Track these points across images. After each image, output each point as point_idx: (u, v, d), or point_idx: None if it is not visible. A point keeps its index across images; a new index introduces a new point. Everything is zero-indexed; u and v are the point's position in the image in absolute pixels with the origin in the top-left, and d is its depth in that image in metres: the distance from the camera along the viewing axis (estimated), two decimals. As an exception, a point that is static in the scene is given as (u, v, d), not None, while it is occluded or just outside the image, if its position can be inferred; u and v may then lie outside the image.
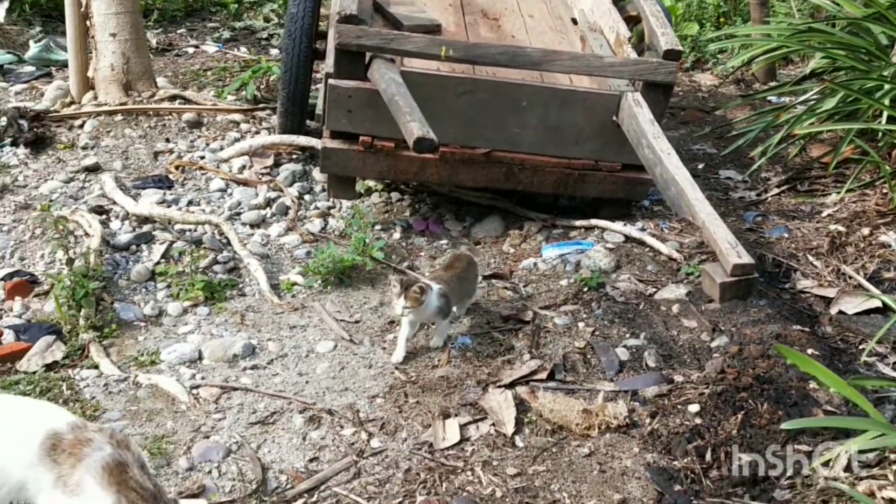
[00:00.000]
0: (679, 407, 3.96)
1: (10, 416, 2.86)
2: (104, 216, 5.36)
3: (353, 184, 5.69)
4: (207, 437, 3.68)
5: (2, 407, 2.95)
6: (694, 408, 3.92)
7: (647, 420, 3.90)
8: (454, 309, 4.51)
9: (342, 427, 3.83)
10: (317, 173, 6.20)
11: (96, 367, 4.12)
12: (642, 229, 5.54)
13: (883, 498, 3.05)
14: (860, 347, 4.23)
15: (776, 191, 6.30)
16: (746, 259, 3.72)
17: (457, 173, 5.46)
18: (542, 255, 5.42)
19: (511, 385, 4.15)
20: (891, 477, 3.16)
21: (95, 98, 6.75)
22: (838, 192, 5.91)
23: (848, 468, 3.29)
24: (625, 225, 5.55)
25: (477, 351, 4.45)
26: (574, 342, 4.50)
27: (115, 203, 5.52)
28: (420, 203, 6.12)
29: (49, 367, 4.09)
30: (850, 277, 4.86)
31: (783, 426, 3.28)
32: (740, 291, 3.77)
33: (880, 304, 4.50)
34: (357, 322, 4.72)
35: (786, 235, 5.44)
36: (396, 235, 5.68)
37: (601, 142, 5.38)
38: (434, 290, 4.26)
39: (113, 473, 2.67)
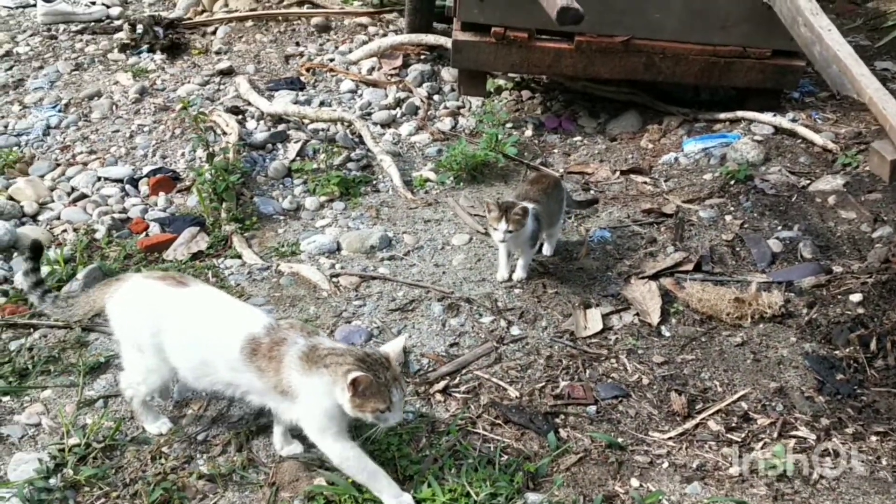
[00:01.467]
0: (839, 297, 3.71)
1: (211, 317, 2.82)
2: (240, 116, 5.41)
3: (484, 79, 5.54)
4: (349, 322, 3.70)
5: (204, 306, 2.86)
6: (856, 297, 3.66)
7: (804, 310, 3.67)
8: (542, 236, 4.10)
9: (481, 315, 3.78)
10: (446, 73, 6.08)
11: (239, 256, 4.20)
12: (794, 120, 5.18)
13: None
14: None
15: (944, 80, 5.77)
16: (921, 133, 3.39)
17: (592, 64, 5.22)
18: (683, 150, 5.17)
19: (655, 276, 3.99)
20: None
21: (226, 5, 6.82)
22: None
23: None
24: (774, 115, 5.20)
25: (617, 244, 4.30)
26: (721, 235, 4.28)
27: (249, 104, 5.57)
28: (552, 101, 5.92)
29: (195, 256, 4.20)
30: None
31: None
32: (913, 170, 3.46)
33: None
34: (492, 216, 4.63)
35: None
36: (528, 133, 5.53)
37: (750, 26, 5.02)
38: (530, 211, 3.82)
39: (310, 358, 2.66)
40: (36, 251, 3.13)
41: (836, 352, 3.43)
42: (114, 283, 2.96)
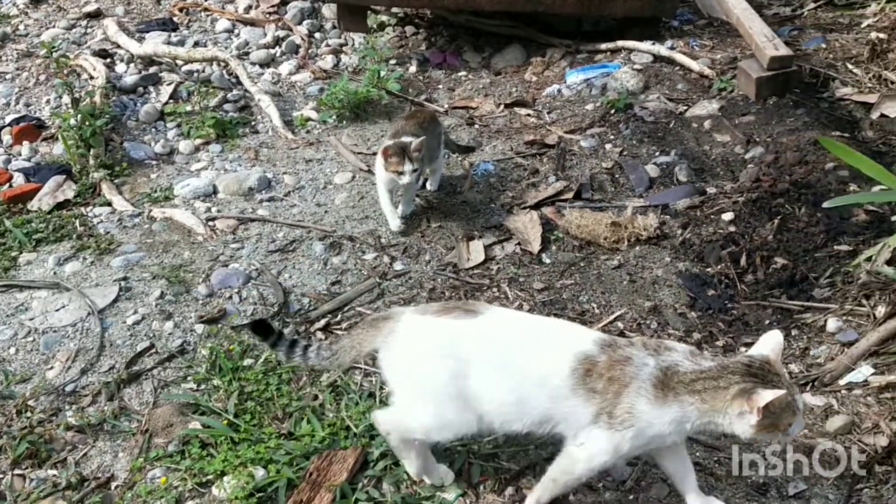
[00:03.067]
0: (712, 217, 3.80)
1: (525, 345, 2.32)
2: (108, 60, 5.16)
3: (364, 14, 5.41)
4: (226, 266, 3.60)
5: (511, 333, 2.36)
6: (728, 216, 3.76)
7: (679, 231, 3.75)
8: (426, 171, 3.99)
9: (364, 252, 3.73)
10: (327, 10, 5.91)
11: (109, 204, 4.03)
12: (672, 48, 5.24)
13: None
14: (905, 149, 4.01)
15: (812, 5, 5.90)
16: (784, 51, 3.47)
17: (473, -4, 5.15)
18: (566, 81, 5.17)
19: (537, 206, 4.01)
20: (939, 267, 3.00)
21: (93, -56, 6.42)
22: (878, 3, 5.52)
23: (891, 262, 3.13)
24: (653, 44, 5.24)
25: (500, 176, 4.29)
26: (601, 163, 4.32)
27: (118, 47, 5.32)
28: (436, 36, 5.83)
29: (61, 205, 4.01)
30: (893, 83, 4.57)
31: (824, 205, 3.08)
32: (778, 87, 3.53)
33: (926, 106, 4.24)
34: (375, 154, 4.54)
35: (823, 46, 5.11)
36: (412, 69, 5.44)
37: (627, -46, 5.03)
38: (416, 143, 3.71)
39: (667, 384, 2.19)
40: (260, 329, 2.59)
41: (708, 269, 3.52)
42: (382, 323, 2.44)
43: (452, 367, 2.28)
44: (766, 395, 2.06)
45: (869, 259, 3.19)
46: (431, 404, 2.35)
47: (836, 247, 3.46)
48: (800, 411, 2.16)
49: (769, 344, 2.24)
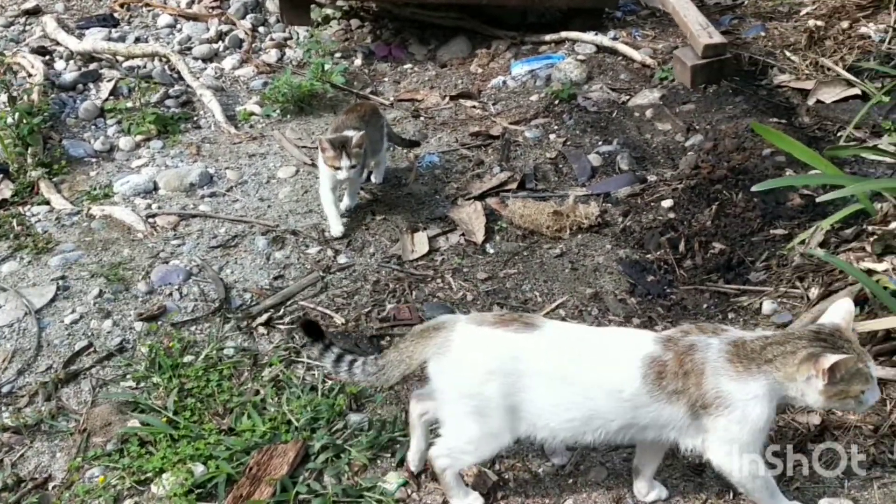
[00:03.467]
0: (652, 204, 3.85)
1: (589, 358, 2.24)
2: (47, 57, 5.07)
3: (307, 7, 5.39)
4: (166, 263, 3.56)
5: (573, 347, 2.27)
6: (667, 203, 3.80)
7: (620, 219, 3.79)
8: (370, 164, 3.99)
9: (307, 246, 3.71)
10: (270, 4, 5.86)
11: (47, 203, 3.96)
12: (615, 38, 5.28)
13: (861, 269, 2.96)
14: (838, 134, 4.08)
15: (754, -6, 6.00)
16: (718, 39, 3.53)
17: (416, -13, 5.15)
18: (511, 73, 5.20)
19: (481, 197, 4.02)
20: (868, 248, 3.07)
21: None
22: (818, -8, 5.62)
23: (824, 245, 3.20)
24: (596, 35, 5.29)
25: (445, 168, 4.30)
26: (545, 153, 4.35)
27: (58, 44, 5.22)
28: (382, 29, 5.82)
29: (-2, 205, 3.94)
30: (829, 69, 4.65)
31: (753, 189, 3.13)
32: (713, 74, 3.58)
33: (859, 92, 4.33)
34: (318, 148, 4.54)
35: (762, 34, 5.19)
36: (358, 62, 5.43)
37: (567, -55, 5.06)
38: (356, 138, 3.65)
39: (741, 356, 2.16)
40: (311, 330, 2.52)
41: (648, 255, 3.56)
42: (433, 333, 2.34)
43: (509, 382, 2.22)
44: (832, 358, 2.05)
45: (803, 242, 3.25)
46: (484, 418, 2.28)
47: (772, 231, 3.52)
48: (873, 379, 2.13)
49: (840, 312, 2.22)
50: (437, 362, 2.30)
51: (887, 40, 4.73)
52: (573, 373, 2.22)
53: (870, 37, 4.88)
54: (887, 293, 2.78)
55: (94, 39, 5.17)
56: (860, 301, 2.93)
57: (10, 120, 4.20)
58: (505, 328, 2.26)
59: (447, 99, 5.03)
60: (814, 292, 3.09)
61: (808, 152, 2.99)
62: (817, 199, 3.10)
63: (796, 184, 3.45)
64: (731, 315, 3.21)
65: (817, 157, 2.95)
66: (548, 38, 5.43)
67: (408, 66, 5.45)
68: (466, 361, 2.27)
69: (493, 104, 4.92)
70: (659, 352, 2.18)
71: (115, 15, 5.63)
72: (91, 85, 4.87)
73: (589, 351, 2.26)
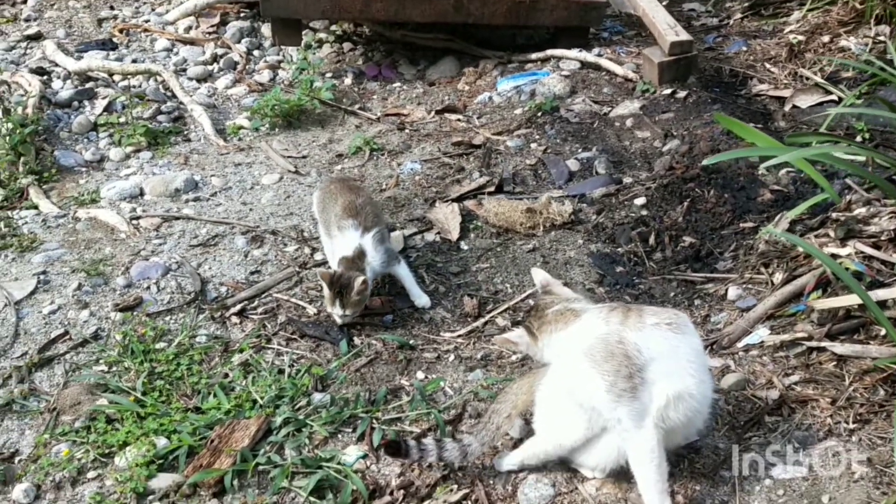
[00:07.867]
0: (625, 203, 3.90)
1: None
2: (45, 77, 5.22)
3: (298, 28, 5.52)
4: (146, 259, 3.63)
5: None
6: (640, 201, 3.86)
7: (593, 216, 3.84)
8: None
9: (286, 245, 3.78)
10: (266, 29, 6.02)
11: (36, 207, 4.06)
12: (599, 55, 5.38)
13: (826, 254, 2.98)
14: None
15: (739, 16, 6.11)
16: (684, 36, 3.61)
17: (403, 8, 5.28)
18: (497, 89, 5.29)
19: (459, 199, 4.09)
20: (832, 234, 3.10)
21: (36, -29, 6.53)
22: (801, 11, 5.72)
23: (791, 233, 3.23)
24: (580, 51, 5.39)
25: (426, 175, 4.37)
26: (525, 160, 4.42)
27: (56, 65, 5.38)
28: (373, 51, 5.95)
29: (-12, 209, 4.03)
30: (807, 79, 4.73)
31: (703, 162, 3.19)
32: (679, 71, 3.66)
33: (836, 98, 4.39)
34: (304, 157, 4.64)
35: (744, 49, 5.29)
36: (348, 81, 5.55)
37: (549, -36, 5.19)
38: (370, 241, 3.26)
39: None
40: (396, 451, 2.48)
41: (619, 249, 3.60)
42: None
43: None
44: None
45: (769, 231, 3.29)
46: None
47: (741, 224, 3.56)
48: None
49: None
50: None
51: (867, 51, 4.80)
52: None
53: (850, 49, 4.96)
54: (848, 273, 2.80)
55: (91, 59, 5.32)
56: (822, 284, 2.96)
57: (3, 130, 4.32)
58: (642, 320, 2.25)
59: (433, 113, 5.12)
60: (778, 277, 3.12)
61: (757, 134, 3.07)
62: (762, 166, 3.17)
63: (739, 156, 3.51)
64: (696, 302, 3.24)
65: (764, 136, 3.01)
66: (534, 56, 5.54)
67: (397, 84, 5.57)
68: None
69: (478, 118, 5.01)
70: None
71: (115, 39, 5.79)
72: (86, 102, 5.01)
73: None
